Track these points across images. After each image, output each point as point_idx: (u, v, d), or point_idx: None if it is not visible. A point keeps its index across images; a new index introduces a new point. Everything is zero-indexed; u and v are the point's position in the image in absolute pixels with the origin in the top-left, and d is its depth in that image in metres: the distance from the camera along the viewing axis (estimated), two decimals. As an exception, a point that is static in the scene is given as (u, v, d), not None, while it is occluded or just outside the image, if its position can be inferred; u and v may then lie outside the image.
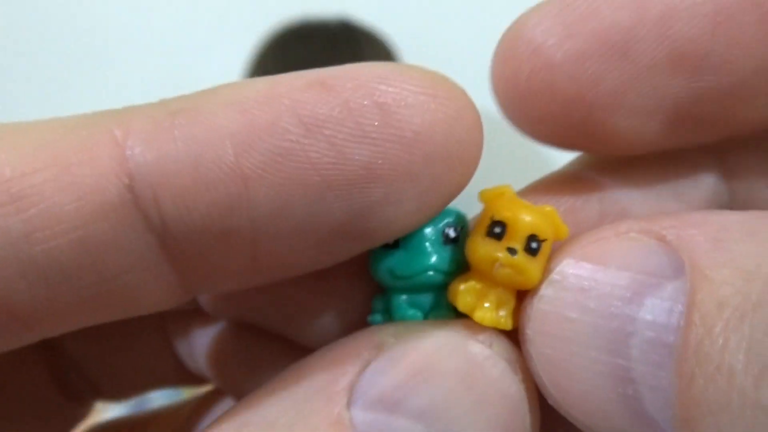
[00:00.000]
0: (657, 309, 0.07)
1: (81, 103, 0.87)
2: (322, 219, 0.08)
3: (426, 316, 0.09)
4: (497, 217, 0.09)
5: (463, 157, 0.08)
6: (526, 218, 0.09)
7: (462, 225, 0.09)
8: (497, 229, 0.09)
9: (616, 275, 0.07)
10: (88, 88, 0.94)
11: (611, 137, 0.09)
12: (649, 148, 0.09)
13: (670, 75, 0.08)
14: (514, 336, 0.09)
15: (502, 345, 0.09)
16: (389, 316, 0.09)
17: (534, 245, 0.09)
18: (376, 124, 0.08)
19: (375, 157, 0.08)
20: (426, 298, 0.09)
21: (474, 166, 0.09)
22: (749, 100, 0.08)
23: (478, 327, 0.09)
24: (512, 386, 0.09)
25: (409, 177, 0.08)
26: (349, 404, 0.08)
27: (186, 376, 0.13)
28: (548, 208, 0.09)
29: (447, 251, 0.09)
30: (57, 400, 0.13)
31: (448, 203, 0.09)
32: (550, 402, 0.08)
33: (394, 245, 0.09)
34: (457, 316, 0.09)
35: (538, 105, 0.09)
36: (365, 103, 0.08)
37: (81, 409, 0.14)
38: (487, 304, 0.09)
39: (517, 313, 0.09)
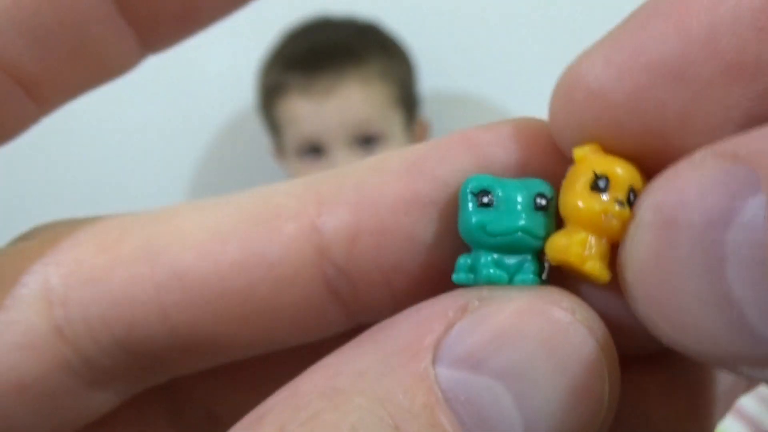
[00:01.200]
0: (743, 229, 0.07)
1: (95, 97, 0.86)
2: None
3: (510, 280, 0.09)
4: (600, 171, 0.09)
5: None
6: (627, 171, 0.09)
7: (551, 195, 0.10)
8: (601, 183, 0.09)
9: (699, 204, 0.07)
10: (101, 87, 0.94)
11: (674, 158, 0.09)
12: None
13: (729, 87, 0.08)
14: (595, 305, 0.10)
15: (584, 313, 0.09)
16: (474, 275, 0.10)
17: (632, 197, 0.09)
18: None
19: None
20: (512, 260, 0.10)
21: None
22: None
23: (561, 294, 0.09)
24: (592, 353, 0.09)
25: None
26: (434, 361, 0.08)
27: None
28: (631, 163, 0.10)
29: (537, 217, 0.10)
30: None
31: None
32: (664, 340, 0.08)
33: (488, 204, 0.09)
34: (540, 282, 0.10)
35: (609, 147, 0.09)
36: None
37: None
38: (592, 253, 0.09)
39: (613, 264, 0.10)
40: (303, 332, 0.10)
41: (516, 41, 0.88)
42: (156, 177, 0.99)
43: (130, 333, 0.10)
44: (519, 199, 0.10)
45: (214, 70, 0.95)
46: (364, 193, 0.10)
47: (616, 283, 0.09)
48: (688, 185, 0.08)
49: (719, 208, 0.07)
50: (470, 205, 0.09)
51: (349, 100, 0.77)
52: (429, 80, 0.88)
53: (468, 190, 0.10)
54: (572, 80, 0.09)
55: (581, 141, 0.10)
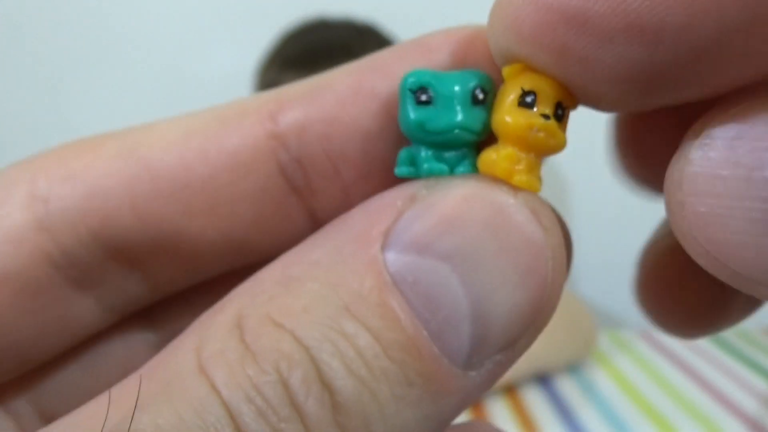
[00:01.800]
0: None
1: (92, 94, 0.86)
2: None
3: (451, 171, 0.10)
4: (527, 87, 0.10)
5: None
6: (553, 87, 0.10)
7: (489, 88, 0.10)
8: (528, 99, 0.10)
9: (760, 129, 0.08)
10: (100, 82, 0.94)
11: (589, 98, 0.10)
12: (627, 108, 0.10)
13: (629, 45, 0.08)
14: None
15: (526, 195, 0.10)
16: (415, 168, 0.10)
17: (560, 112, 0.10)
18: None
19: None
20: (451, 155, 0.10)
21: None
22: (716, 65, 0.09)
23: (502, 181, 0.10)
24: (535, 232, 0.09)
25: None
26: (383, 247, 0.09)
27: None
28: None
29: (475, 111, 0.10)
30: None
31: None
32: (702, 263, 0.09)
33: (426, 102, 0.10)
34: (478, 173, 0.10)
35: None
36: None
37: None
38: (520, 168, 0.10)
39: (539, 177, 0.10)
40: (266, 229, 0.11)
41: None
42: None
43: (104, 223, 0.10)
44: (457, 94, 0.10)
45: (212, 71, 0.95)
46: (318, 87, 0.11)
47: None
48: (749, 114, 0.08)
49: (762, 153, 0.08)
50: (409, 102, 0.10)
51: None
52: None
53: (407, 87, 0.10)
54: (496, 6, 0.09)
55: (508, 60, 0.10)
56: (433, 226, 0.09)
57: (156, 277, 0.11)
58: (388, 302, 0.08)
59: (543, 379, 0.67)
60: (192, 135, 0.10)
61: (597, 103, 0.10)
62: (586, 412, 0.60)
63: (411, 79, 0.10)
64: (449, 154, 0.10)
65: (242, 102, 0.11)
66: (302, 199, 0.11)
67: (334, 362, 0.08)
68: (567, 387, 0.65)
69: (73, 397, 0.12)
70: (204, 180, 0.10)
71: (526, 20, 0.09)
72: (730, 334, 0.76)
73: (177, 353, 0.09)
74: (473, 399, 0.09)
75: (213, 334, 0.09)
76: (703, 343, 0.71)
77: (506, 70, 0.10)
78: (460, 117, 0.10)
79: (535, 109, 0.10)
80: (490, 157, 0.10)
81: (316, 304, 0.08)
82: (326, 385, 0.08)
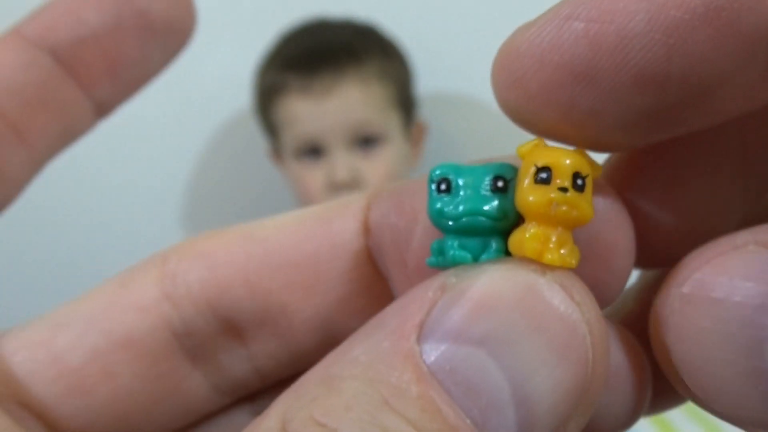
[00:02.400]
0: None
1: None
2: None
3: (475, 260, 0.10)
4: (541, 164, 0.10)
5: None
6: (567, 159, 0.10)
7: (510, 176, 0.10)
8: (543, 175, 0.10)
9: (742, 286, 0.08)
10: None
11: (598, 147, 0.10)
12: (632, 147, 0.11)
13: (637, 95, 0.09)
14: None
15: (555, 272, 0.10)
16: (443, 258, 0.10)
17: (579, 182, 0.10)
18: None
19: None
20: (476, 242, 0.10)
21: None
22: (719, 98, 0.09)
23: (529, 261, 0.10)
24: (569, 308, 0.09)
25: None
26: (419, 339, 0.09)
27: None
28: (576, 149, 0.10)
29: (496, 199, 0.10)
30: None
31: None
32: (690, 398, 0.09)
33: (446, 191, 0.10)
34: (506, 256, 0.10)
35: (552, 135, 0.10)
36: None
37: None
38: (551, 246, 0.10)
39: (577, 251, 0.10)
40: (353, 308, 0.12)
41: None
42: (153, 178, 0.99)
43: (220, 295, 0.12)
44: (477, 183, 0.10)
45: (211, 72, 0.95)
46: (401, 189, 0.12)
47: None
48: (733, 268, 0.08)
49: (763, 295, 0.08)
50: (431, 192, 0.10)
51: (348, 101, 0.77)
52: (426, 82, 0.88)
53: (430, 179, 0.10)
54: (500, 62, 0.10)
55: (514, 115, 0.10)
56: (464, 313, 0.09)
57: (258, 355, 0.13)
58: (428, 393, 0.09)
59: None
60: (302, 222, 0.12)
61: (606, 149, 0.11)
62: (585, 412, 0.60)
63: (435, 172, 0.10)
64: (474, 242, 0.10)
65: (341, 201, 0.13)
66: (383, 282, 0.12)
67: None
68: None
69: None
70: (308, 257, 0.12)
71: (533, 78, 0.09)
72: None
73: None
74: None
75: None
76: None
77: (520, 150, 0.10)
78: (476, 204, 0.10)
79: (552, 184, 0.10)
80: (517, 238, 0.10)
81: (357, 402, 0.08)
82: None
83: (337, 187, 0.78)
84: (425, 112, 0.88)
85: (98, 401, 0.11)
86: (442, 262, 0.10)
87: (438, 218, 0.10)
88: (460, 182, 0.10)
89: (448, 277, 0.10)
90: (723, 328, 0.08)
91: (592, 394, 0.09)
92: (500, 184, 0.10)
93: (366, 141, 0.79)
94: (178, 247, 0.13)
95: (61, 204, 0.98)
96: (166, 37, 0.13)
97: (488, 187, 0.10)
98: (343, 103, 0.76)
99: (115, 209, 0.98)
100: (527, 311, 0.09)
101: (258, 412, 0.13)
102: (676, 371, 0.09)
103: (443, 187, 0.10)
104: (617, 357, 0.11)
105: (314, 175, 0.79)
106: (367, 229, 0.12)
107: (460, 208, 0.10)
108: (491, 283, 0.09)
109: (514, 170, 0.10)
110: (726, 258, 0.08)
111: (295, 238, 0.12)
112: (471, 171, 0.10)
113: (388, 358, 0.09)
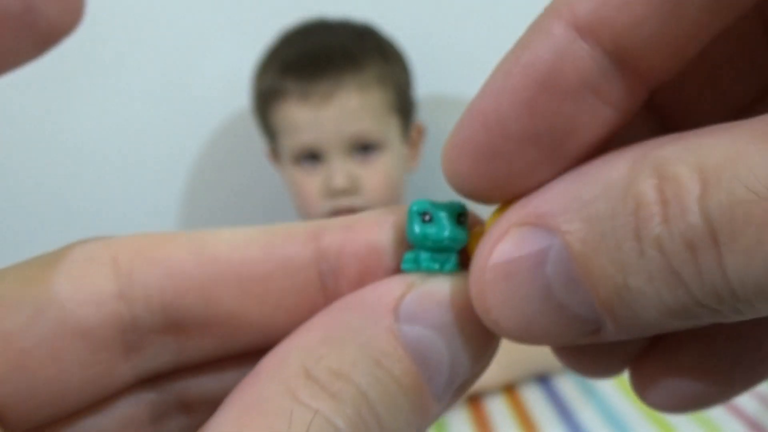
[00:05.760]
0: (553, 261, 0.11)
1: (89, 95, 0.86)
2: None
3: (441, 268, 0.14)
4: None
5: None
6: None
7: (465, 213, 0.14)
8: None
9: (524, 256, 0.11)
10: (97, 83, 0.94)
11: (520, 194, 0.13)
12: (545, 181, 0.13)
13: (515, 158, 0.12)
14: None
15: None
16: (417, 265, 0.14)
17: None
18: None
19: None
20: (441, 257, 0.14)
21: None
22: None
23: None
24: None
25: None
26: (396, 319, 0.12)
27: None
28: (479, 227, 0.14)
29: (458, 228, 0.14)
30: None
31: None
32: (508, 337, 0.12)
33: (429, 221, 0.14)
34: (460, 270, 0.14)
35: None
36: None
37: None
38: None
39: None
40: (297, 318, 0.14)
41: (511, 44, 0.88)
42: (152, 179, 0.99)
43: (175, 299, 0.13)
44: (450, 217, 0.14)
45: (211, 73, 0.95)
46: (351, 222, 0.14)
47: None
48: (512, 247, 0.12)
49: (536, 255, 0.11)
50: (416, 221, 0.14)
51: (347, 108, 0.76)
52: (424, 83, 0.88)
53: (414, 211, 0.14)
54: (443, 156, 0.13)
55: (466, 194, 0.13)
56: (426, 305, 0.13)
57: (189, 350, 0.14)
58: (405, 357, 0.12)
59: (543, 379, 0.67)
60: (252, 242, 0.14)
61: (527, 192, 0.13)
62: (586, 412, 0.60)
63: (416, 207, 0.14)
64: (440, 257, 0.14)
65: (290, 225, 0.14)
66: (329, 296, 0.14)
67: (375, 394, 0.12)
68: (567, 387, 0.66)
69: None
70: (260, 277, 0.14)
71: (459, 161, 0.13)
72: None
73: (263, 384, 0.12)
74: (438, 418, 0.13)
75: (287, 378, 0.12)
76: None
77: (488, 221, 0.14)
78: (448, 232, 0.14)
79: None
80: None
81: (359, 359, 0.12)
82: (372, 408, 0.12)
83: (334, 194, 0.78)
84: (423, 112, 0.88)
85: (39, 381, 0.13)
86: (416, 269, 0.14)
87: (422, 239, 0.14)
88: (440, 215, 0.14)
89: (415, 279, 0.13)
90: (523, 286, 0.11)
91: (489, 356, 0.14)
92: (462, 219, 0.14)
93: (365, 148, 0.79)
94: (125, 245, 0.14)
95: (61, 204, 0.98)
96: (42, 36, 0.14)
97: (454, 220, 0.14)
98: (342, 111, 0.76)
99: (114, 209, 0.98)
100: (468, 314, 0.13)
101: (156, 390, 0.15)
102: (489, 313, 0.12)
103: (426, 218, 0.14)
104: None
105: (312, 180, 0.79)
106: (319, 255, 0.14)
107: (444, 233, 0.14)
108: (446, 286, 0.13)
109: (466, 209, 0.14)
110: (507, 240, 0.12)
111: (249, 257, 0.14)
112: (444, 207, 0.14)
113: (377, 329, 0.12)
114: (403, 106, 0.82)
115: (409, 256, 0.14)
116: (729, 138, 0.10)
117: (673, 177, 0.10)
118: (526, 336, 0.12)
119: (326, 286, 0.14)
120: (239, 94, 0.89)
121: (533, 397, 0.63)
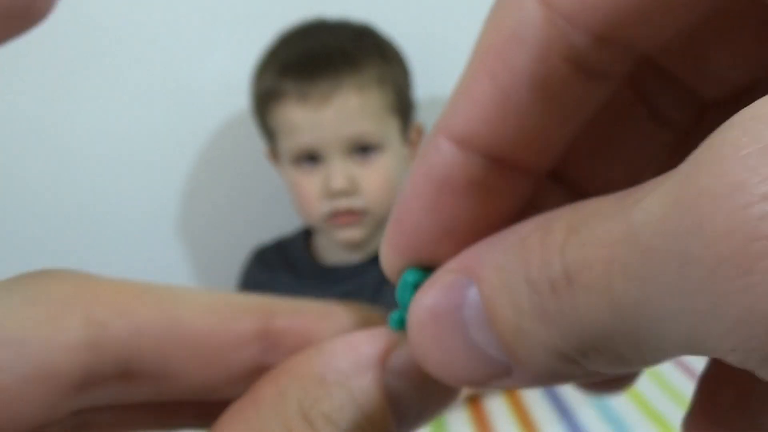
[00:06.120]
0: (468, 306, 0.12)
1: (88, 96, 0.86)
2: None
3: None
4: None
5: None
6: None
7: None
8: None
9: (445, 301, 0.13)
10: (96, 84, 0.94)
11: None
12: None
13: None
14: None
15: None
16: (403, 326, 0.15)
17: None
18: None
19: None
20: None
21: None
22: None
23: None
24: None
25: None
26: (384, 372, 0.14)
27: None
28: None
29: None
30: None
31: None
32: (435, 376, 0.13)
33: (415, 289, 0.15)
34: None
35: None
36: None
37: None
38: None
39: None
40: (238, 386, 0.15)
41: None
42: (152, 179, 0.99)
43: (135, 355, 0.14)
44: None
45: (209, 74, 0.95)
46: (300, 308, 0.16)
47: None
48: (439, 292, 0.13)
49: (456, 300, 0.12)
50: (409, 292, 0.15)
51: (346, 110, 0.77)
52: (423, 83, 0.89)
53: (409, 282, 0.15)
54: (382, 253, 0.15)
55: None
56: (412, 364, 0.14)
57: (130, 393, 0.15)
58: (384, 406, 0.14)
59: (543, 380, 0.67)
60: (213, 313, 0.15)
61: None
62: (586, 412, 0.60)
63: (411, 278, 0.15)
64: None
65: (247, 298, 0.16)
66: (266, 368, 0.15)
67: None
68: (567, 387, 0.65)
69: None
70: (215, 345, 0.15)
71: (394, 254, 0.14)
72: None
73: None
74: None
75: (287, 418, 0.13)
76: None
77: None
78: None
79: None
80: None
81: (344, 409, 0.14)
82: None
83: (334, 195, 0.78)
84: (422, 113, 0.89)
85: (6, 416, 0.13)
86: (402, 329, 0.15)
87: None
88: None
89: (401, 337, 0.15)
90: (445, 327, 0.13)
91: (453, 401, 0.15)
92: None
93: (364, 149, 0.79)
94: (100, 295, 0.14)
95: (61, 204, 0.98)
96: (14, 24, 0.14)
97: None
98: (341, 113, 0.76)
99: (114, 209, 0.99)
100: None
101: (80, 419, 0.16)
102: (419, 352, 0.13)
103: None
104: None
105: (311, 181, 0.79)
106: (265, 334, 0.15)
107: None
108: None
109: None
110: (434, 287, 0.13)
111: (209, 326, 0.15)
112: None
113: (365, 379, 0.14)
114: (402, 107, 0.82)
115: (395, 316, 0.15)
116: (597, 202, 0.11)
117: (551, 229, 0.11)
118: (450, 376, 0.13)
119: (266, 360, 0.16)
120: (238, 95, 0.89)
121: (533, 397, 0.63)
